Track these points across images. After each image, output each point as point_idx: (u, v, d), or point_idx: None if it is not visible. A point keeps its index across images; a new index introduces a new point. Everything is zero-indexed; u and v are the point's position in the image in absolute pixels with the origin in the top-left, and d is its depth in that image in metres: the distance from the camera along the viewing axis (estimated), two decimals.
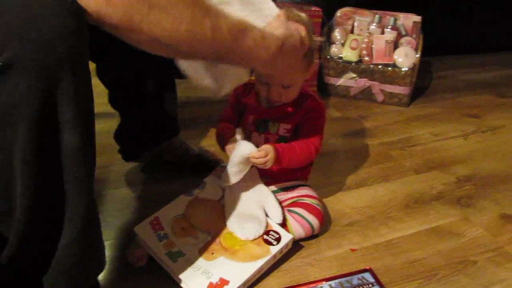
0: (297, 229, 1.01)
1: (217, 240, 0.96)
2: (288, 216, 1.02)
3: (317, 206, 1.05)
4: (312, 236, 1.06)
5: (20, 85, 0.54)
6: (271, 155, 0.95)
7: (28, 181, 0.59)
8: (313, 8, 1.77)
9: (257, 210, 1.01)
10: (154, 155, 1.31)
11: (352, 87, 1.81)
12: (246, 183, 1.04)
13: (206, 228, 0.98)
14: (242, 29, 0.72)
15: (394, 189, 1.28)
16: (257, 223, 0.99)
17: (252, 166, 1.01)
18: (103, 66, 1.16)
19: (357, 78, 1.78)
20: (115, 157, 1.34)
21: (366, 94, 1.82)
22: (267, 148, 0.96)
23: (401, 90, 1.75)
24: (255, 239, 0.96)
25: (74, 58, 0.57)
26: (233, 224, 0.99)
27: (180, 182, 1.23)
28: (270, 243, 0.95)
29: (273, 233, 0.97)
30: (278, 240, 0.95)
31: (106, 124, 1.58)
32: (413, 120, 1.70)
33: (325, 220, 1.09)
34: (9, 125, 0.56)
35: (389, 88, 1.76)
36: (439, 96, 1.94)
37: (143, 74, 1.20)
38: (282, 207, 1.04)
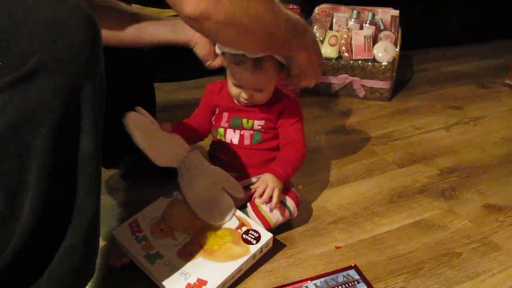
0: (273, 214, 1.00)
1: (196, 240, 0.95)
2: (263, 209, 1.01)
3: (289, 187, 1.05)
4: (296, 234, 1.05)
5: (45, 90, 0.57)
6: (271, 184, 0.97)
7: (43, 185, 0.60)
8: (291, 6, 1.76)
9: (219, 193, 1.01)
10: (133, 160, 1.30)
11: (333, 83, 1.80)
12: (197, 170, 1.03)
13: (184, 229, 0.97)
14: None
15: (377, 184, 1.27)
16: (226, 204, 0.99)
17: (194, 151, 1.03)
18: None
19: (337, 74, 1.77)
20: None
21: (347, 90, 1.81)
22: (264, 179, 0.98)
23: (382, 84, 1.74)
24: (230, 219, 0.98)
25: (95, 66, 0.61)
26: (205, 213, 0.98)
27: (161, 187, 1.20)
28: (249, 243, 0.94)
29: (252, 232, 0.96)
30: (257, 239, 0.94)
31: None
32: (395, 114, 1.70)
33: (307, 216, 1.10)
34: (29, 129, 0.57)
35: (370, 83, 1.75)
36: (421, 89, 1.94)
37: (122, 86, 1.19)
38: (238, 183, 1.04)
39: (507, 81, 1.96)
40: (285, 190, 1.03)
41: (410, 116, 1.69)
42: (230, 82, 1.02)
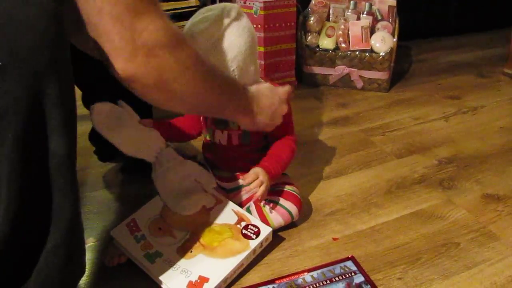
0: (276, 218, 1.00)
1: (195, 238, 0.94)
2: (265, 206, 1.00)
3: (294, 193, 1.03)
4: (293, 227, 1.05)
5: (8, 92, 0.54)
6: (261, 176, 0.95)
7: (14, 189, 0.58)
8: None
9: (190, 183, 1.01)
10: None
11: (331, 75, 1.79)
12: (169, 164, 1.02)
13: (183, 227, 0.96)
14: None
15: (375, 175, 1.26)
16: (198, 195, 0.99)
17: (168, 147, 1.03)
18: (77, 68, 1.14)
19: (335, 65, 1.76)
20: (92, 159, 1.32)
21: (345, 82, 1.80)
22: (255, 171, 0.96)
23: (380, 75, 1.73)
24: (199, 210, 0.97)
25: (58, 64, 0.58)
26: (175, 205, 0.97)
27: None
28: (249, 237, 0.93)
29: (252, 227, 0.95)
30: (257, 234, 0.94)
31: (82, 126, 1.55)
32: (394, 105, 1.69)
33: (304, 208, 1.08)
34: None
35: (368, 74, 1.74)
36: (419, 79, 1.93)
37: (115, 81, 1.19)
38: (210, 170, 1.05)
39: (506, 70, 1.95)
40: (288, 195, 1.02)
41: (408, 106, 1.68)
42: None
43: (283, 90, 0.99)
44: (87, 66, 1.13)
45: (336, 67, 1.76)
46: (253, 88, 0.93)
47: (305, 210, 1.09)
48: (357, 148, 1.40)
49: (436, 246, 1.00)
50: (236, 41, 0.92)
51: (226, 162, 1.08)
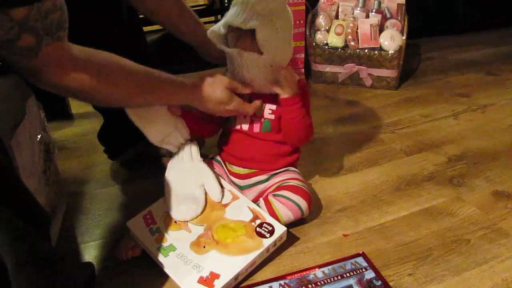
0: (285, 212, 1.00)
1: (209, 233, 0.94)
2: (273, 200, 1.01)
3: (302, 187, 1.03)
4: (304, 223, 1.05)
5: None
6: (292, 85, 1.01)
7: None
8: None
9: (195, 189, 1.00)
10: (137, 150, 1.31)
11: (340, 73, 1.79)
12: (185, 164, 1.03)
13: (198, 221, 0.97)
14: None
15: (385, 172, 1.27)
16: (193, 203, 0.98)
17: (192, 142, 1.05)
18: None
19: (344, 63, 1.76)
20: (102, 156, 1.33)
21: (354, 79, 1.80)
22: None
23: (389, 73, 1.74)
24: (192, 219, 0.97)
25: None
26: (170, 204, 0.98)
27: None
28: (263, 236, 0.93)
29: (266, 226, 0.95)
30: (271, 232, 0.94)
31: (93, 124, 1.57)
32: (403, 103, 1.70)
33: (315, 205, 1.09)
34: None
35: (377, 72, 1.74)
36: (428, 77, 1.93)
37: None
38: (222, 185, 1.03)
39: None
40: (297, 189, 1.02)
41: (418, 104, 1.68)
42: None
43: (227, 82, 1.00)
44: None
45: (345, 65, 1.76)
46: (197, 77, 0.99)
47: (315, 207, 1.10)
48: (366, 145, 1.41)
49: (447, 242, 1.01)
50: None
51: (243, 152, 1.07)
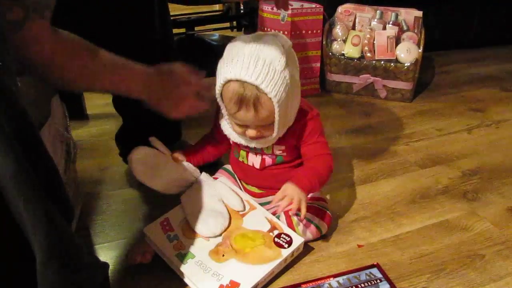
0: (305, 233, 1.01)
1: (228, 242, 0.95)
2: (295, 219, 1.01)
3: (324, 209, 1.04)
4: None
5: None
6: (296, 196, 0.92)
7: None
8: (314, 5, 1.76)
9: (216, 204, 1.00)
10: None
11: (355, 83, 1.80)
12: (199, 184, 1.05)
13: None
14: None
15: (399, 184, 1.27)
16: (220, 216, 0.98)
17: (201, 176, 1.07)
18: None
19: (359, 74, 1.77)
20: (118, 158, 1.34)
21: (369, 90, 1.81)
22: (285, 189, 0.93)
23: (404, 85, 1.74)
24: (222, 233, 0.96)
25: None
26: (196, 223, 0.97)
27: None
28: (281, 246, 0.94)
29: (284, 236, 0.95)
30: (289, 243, 0.94)
31: (108, 125, 1.59)
32: (417, 115, 1.70)
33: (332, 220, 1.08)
34: None
35: (392, 83, 1.75)
36: (442, 91, 1.93)
37: None
38: (239, 195, 1.03)
39: None
40: (320, 213, 1.03)
41: (432, 117, 1.68)
42: (232, 123, 0.96)
43: (196, 81, 0.97)
44: None
45: (360, 76, 1.77)
46: (163, 68, 0.97)
47: (332, 221, 1.09)
48: (380, 157, 1.41)
49: (461, 257, 1.01)
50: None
51: (257, 182, 1.08)
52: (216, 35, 2.45)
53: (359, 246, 1.03)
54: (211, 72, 2.15)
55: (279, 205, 0.93)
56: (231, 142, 1.06)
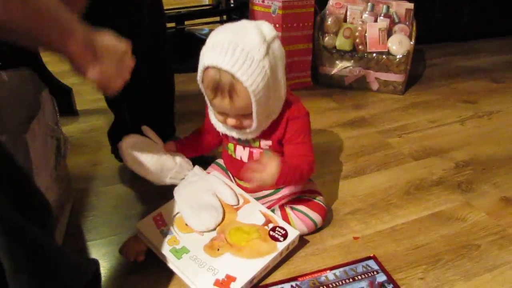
0: (300, 226, 1.00)
1: (222, 236, 0.93)
2: (290, 212, 1.01)
3: (319, 202, 1.03)
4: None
5: None
6: (271, 169, 0.88)
7: None
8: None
9: (209, 199, 0.99)
10: None
11: (347, 76, 1.79)
12: (191, 179, 1.03)
13: None
14: None
15: (393, 176, 1.27)
16: (213, 210, 0.97)
17: (194, 168, 1.04)
18: None
19: (351, 66, 1.77)
20: (109, 154, 1.32)
21: (361, 83, 1.80)
22: (265, 170, 0.88)
23: (396, 77, 1.74)
24: (216, 227, 0.95)
25: None
26: (189, 217, 0.96)
27: None
28: (276, 239, 0.93)
29: (279, 229, 0.95)
30: (284, 236, 0.93)
31: (98, 121, 1.57)
32: (409, 108, 1.70)
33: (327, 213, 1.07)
34: None
35: (384, 76, 1.75)
36: (434, 83, 1.94)
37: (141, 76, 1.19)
38: (233, 189, 1.02)
39: None
40: (315, 206, 1.02)
41: (424, 109, 1.68)
42: (213, 110, 0.95)
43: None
44: None
45: (352, 68, 1.76)
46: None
47: (327, 214, 1.08)
48: (374, 149, 1.41)
49: (457, 247, 1.01)
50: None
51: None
52: (206, 29, 2.44)
53: (354, 238, 1.03)
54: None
55: (250, 176, 0.89)
56: (221, 134, 1.04)
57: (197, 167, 1.06)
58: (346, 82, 1.81)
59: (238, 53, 0.82)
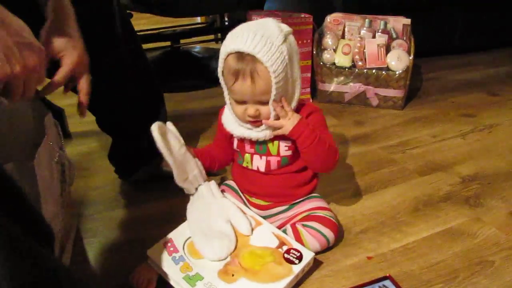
0: (313, 243, 0.98)
1: (236, 260, 0.91)
2: (302, 230, 0.99)
3: (331, 218, 1.02)
4: (327, 247, 1.03)
5: None
6: (291, 115, 0.93)
7: None
8: (303, 15, 1.76)
9: (223, 226, 0.97)
10: (149, 170, 1.28)
11: (347, 92, 1.79)
12: (205, 200, 1.00)
13: None
14: None
15: (400, 193, 1.26)
16: (226, 239, 0.94)
17: (210, 182, 1.02)
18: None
19: (350, 83, 1.77)
20: (110, 177, 1.31)
21: (360, 99, 1.80)
22: (289, 117, 0.93)
23: (395, 93, 1.74)
24: (227, 257, 0.92)
25: None
26: (201, 244, 0.94)
27: (181, 197, 1.18)
28: (292, 262, 0.91)
29: (294, 252, 0.92)
30: (299, 258, 0.91)
31: (93, 144, 1.54)
32: (410, 123, 1.70)
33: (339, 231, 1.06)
34: None
35: (384, 91, 1.75)
36: (432, 97, 1.94)
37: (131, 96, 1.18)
38: (248, 218, 0.99)
39: None
40: (327, 221, 1.01)
41: (425, 124, 1.69)
42: (232, 102, 0.95)
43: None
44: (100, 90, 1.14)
45: (352, 85, 1.76)
46: None
47: (339, 231, 1.07)
48: (379, 165, 1.40)
49: (471, 264, 0.99)
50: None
51: (262, 189, 1.05)
52: (199, 47, 2.44)
53: (368, 258, 1.01)
54: (197, 85, 2.12)
55: (276, 107, 0.92)
56: (235, 146, 1.04)
57: (213, 183, 1.03)
58: (345, 98, 1.81)
59: (259, 38, 0.86)
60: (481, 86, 2.07)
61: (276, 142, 1.00)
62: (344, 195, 1.24)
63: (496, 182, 1.31)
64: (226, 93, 0.96)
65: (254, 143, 1.00)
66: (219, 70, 0.93)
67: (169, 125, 1.00)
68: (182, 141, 1.01)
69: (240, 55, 0.87)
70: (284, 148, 1.00)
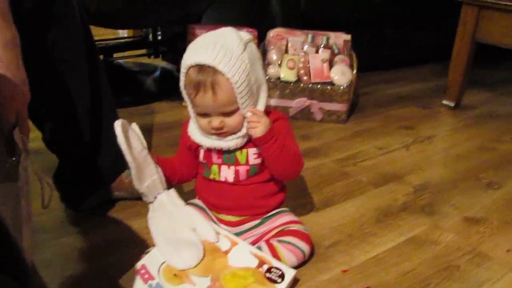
0: (290, 258, 0.96)
1: (217, 284, 0.86)
2: (279, 245, 0.96)
3: (305, 231, 1.01)
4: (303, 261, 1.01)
5: None
6: (264, 120, 0.91)
7: None
8: (245, 30, 1.75)
9: (188, 234, 0.93)
10: (101, 195, 1.19)
11: (291, 107, 1.80)
12: (166, 209, 0.96)
13: (202, 272, 0.88)
14: None
15: (361, 205, 1.27)
16: (193, 248, 0.91)
17: (170, 190, 0.98)
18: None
19: (296, 97, 1.78)
20: (55, 201, 1.19)
21: (304, 114, 1.82)
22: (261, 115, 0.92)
23: (339, 107, 1.78)
24: (196, 266, 0.89)
25: None
26: (168, 254, 0.90)
27: (141, 220, 1.10)
28: (274, 281, 0.87)
29: (275, 270, 0.89)
30: (281, 276, 0.88)
31: (40, 163, 1.41)
32: (355, 136, 1.74)
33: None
34: None
35: (328, 106, 1.78)
36: (371, 111, 2.01)
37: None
38: (212, 225, 0.97)
39: (444, 102, 2.09)
40: (301, 235, 0.99)
41: (369, 137, 1.74)
42: (195, 115, 0.94)
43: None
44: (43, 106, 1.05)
45: (296, 100, 1.77)
46: None
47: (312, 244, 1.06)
48: (334, 179, 1.41)
49: (440, 270, 1.02)
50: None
51: (231, 202, 1.01)
52: (135, 62, 2.35)
53: (343, 271, 1.01)
54: (132, 100, 2.03)
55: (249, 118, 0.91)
56: (201, 158, 1.00)
57: (173, 190, 0.98)
58: (290, 113, 1.82)
59: (218, 48, 0.86)
60: (412, 99, 2.18)
61: (244, 151, 0.97)
62: (307, 209, 1.24)
63: (444, 190, 1.37)
64: (190, 107, 0.93)
65: (221, 153, 0.97)
66: (181, 83, 0.92)
67: (134, 126, 0.95)
68: (145, 144, 0.96)
69: (201, 67, 0.87)
70: (253, 157, 0.98)
